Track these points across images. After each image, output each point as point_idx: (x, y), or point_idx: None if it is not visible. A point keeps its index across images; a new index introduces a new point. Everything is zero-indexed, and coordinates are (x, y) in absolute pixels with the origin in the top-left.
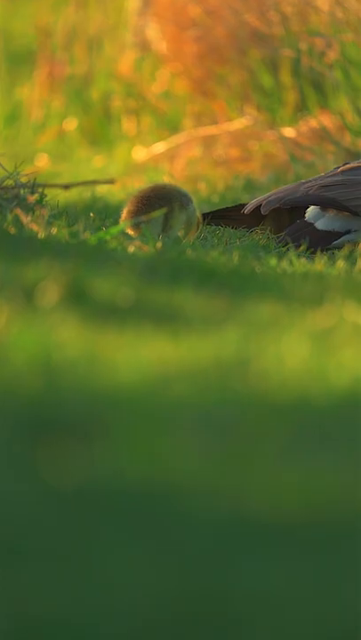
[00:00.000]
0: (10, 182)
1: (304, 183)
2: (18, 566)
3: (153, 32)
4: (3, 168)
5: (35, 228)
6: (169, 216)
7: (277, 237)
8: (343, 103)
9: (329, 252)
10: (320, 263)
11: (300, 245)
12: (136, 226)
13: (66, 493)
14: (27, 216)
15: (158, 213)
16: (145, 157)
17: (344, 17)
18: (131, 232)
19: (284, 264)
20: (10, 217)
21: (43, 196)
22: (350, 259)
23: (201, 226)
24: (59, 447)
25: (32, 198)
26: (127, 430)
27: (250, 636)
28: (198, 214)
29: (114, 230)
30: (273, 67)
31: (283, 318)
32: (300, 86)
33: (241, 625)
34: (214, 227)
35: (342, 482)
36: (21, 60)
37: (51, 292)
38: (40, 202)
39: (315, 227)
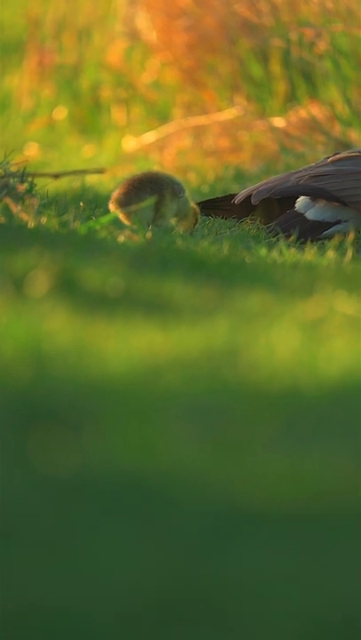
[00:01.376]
0: None
1: (294, 173)
2: (9, 553)
3: (143, 22)
4: None
5: (24, 217)
6: (160, 204)
7: (267, 227)
8: (333, 93)
9: (319, 242)
10: (310, 253)
11: (290, 235)
12: (127, 212)
13: (57, 482)
14: (16, 205)
15: (149, 202)
16: (135, 147)
17: (334, 7)
18: (120, 216)
19: (275, 254)
20: None
21: (32, 185)
22: (340, 249)
23: (199, 217)
24: (49, 436)
25: (22, 187)
26: (117, 420)
27: (238, 625)
28: (195, 205)
29: (104, 220)
30: (263, 57)
31: (273, 308)
32: (290, 76)
33: (229, 614)
34: (204, 217)
35: (333, 471)
36: (11, 50)
37: (40, 282)
38: (30, 191)
39: (305, 217)
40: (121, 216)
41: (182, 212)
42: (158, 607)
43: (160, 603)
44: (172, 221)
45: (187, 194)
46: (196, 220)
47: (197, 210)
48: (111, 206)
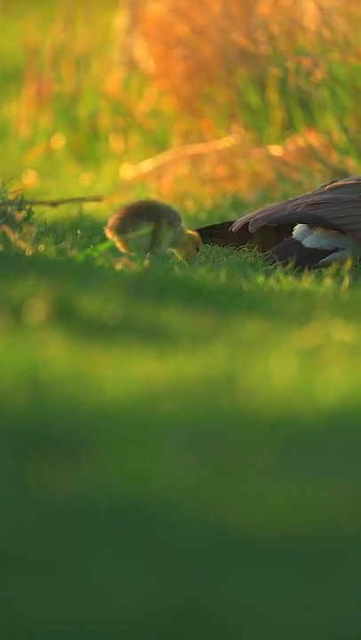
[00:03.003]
0: None
1: (291, 201)
2: (6, 578)
3: (140, 50)
4: None
5: (22, 245)
6: (157, 232)
7: (265, 255)
8: (330, 122)
9: (316, 269)
10: (307, 281)
11: (287, 263)
12: (124, 240)
13: (54, 508)
14: (14, 233)
15: (146, 229)
16: (132, 175)
17: (331, 36)
18: (117, 243)
19: (272, 282)
20: None
21: (30, 213)
22: (338, 277)
23: (200, 246)
24: (47, 463)
25: (19, 215)
26: (114, 446)
27: None
28: (195, 233)
29: (101, 247)
30: (260, 85)
31: (270, 336)
32: (287, 105)
33: (226, 638)
34: (202, 244)
35: (330, 498)
36: (9, 78)
37: (38, 310)
38: (27, 219)
39: (302, 244)
40: (117, 242)
41: (178, 242)
42: (155, 632)
43: (157, 627)
44: (170, 250)
45: (183, 223)
46: (198, 248)
47: (198, 238)
48: (107, 232)
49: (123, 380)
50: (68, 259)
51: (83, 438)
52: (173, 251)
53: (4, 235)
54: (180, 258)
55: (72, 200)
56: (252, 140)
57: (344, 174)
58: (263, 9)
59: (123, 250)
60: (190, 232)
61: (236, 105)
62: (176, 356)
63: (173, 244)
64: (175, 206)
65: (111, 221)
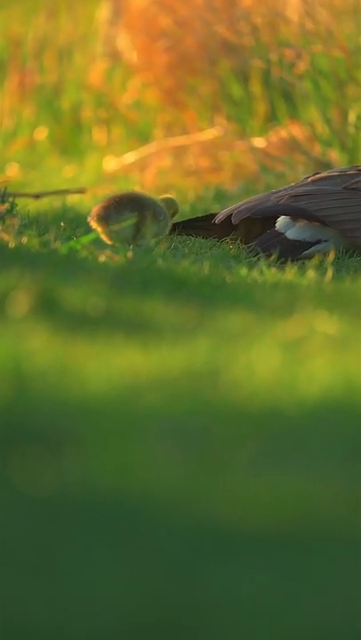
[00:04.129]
0: None
1: (274, 193)
2: None
3: (123, 42)
4: None
5: (5, 237)
6: (141, 224)
7: (248, 247)
8: (313, 114)
9: (299, 261)
10: (291, 273)
11: (270, 255)
12: (107, 231)
13: (37, 502)
14: None
15: (130, 221)
16: (115, 167)
17: (314, 28)
18: (101, 234)
19: (255, 274)
20: None
21: (13, 205)
22: (321, 269)
23: (178, 210)
24: (29, 456)
25: (2, 207)
26: (97, 439)
27: None
28: (173, 197)
29: (85, 240)
30: (243, 77)
31: (253, 328)
32: (270, 97)
33: (211, 633)
34: (185, 236)
35: (313, 491)
36: None
37: (21, 302)
38: (10, 211)
39: (285, 236)
40: (100, 232)
41: (161, 234)
42: (140, 626)
43: (140, 621)
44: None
45: (168, 217)
46: (175, 212)
47: (176, 203)
48: (90, 221)
49: (106, 373)
50: (52, 251)
51: (66, 431)
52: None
53: None
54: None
55: (55, 192)
56: (235, 131)
57: (327, 166)
58: (246, 1)
59: (106, 241)
60: (167, 196)
61: (219, 97)
62: (159, 348)
63: (158, 235)
64: (170, 197)
65: (95, 210)
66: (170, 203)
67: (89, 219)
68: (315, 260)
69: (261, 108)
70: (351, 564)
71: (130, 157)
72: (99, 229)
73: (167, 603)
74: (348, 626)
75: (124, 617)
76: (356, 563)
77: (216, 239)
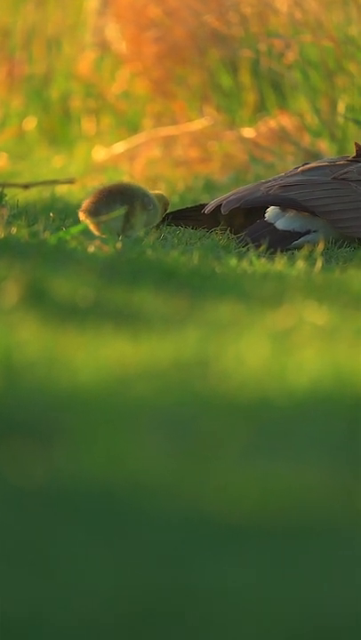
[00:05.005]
0: None
1: (264, 183)
2: None
3: (112, 32)
4: None
5: None
6: (130, 215)
7: (237, 237)
8: (302, 104)
9: (289, 252)
10: (280, 263)
11: (260, 245)
12: (97, 222)
13: (26, 493)
14: None
15: (119, 212)
16: (105, 157)
17: (303, 18)
18: (90, 226)
19: (245, 264)
20: None
21: (2, 195)
22: (310, 259)
23: (168, 205)
24: (19, 448)
25: None
26: (87, 430)
27: (205, 635)
28: (162, 193)
29: (74, 230)
30: (232, 67)
31: (243, 318)
32: (259, 87)
33: (201, 623)
34: (174, 227)
35: (303, 482)
36: None
37: (10, 292)
38: None
39: (275, 227)
40: (91, 225)
41: (151, 223)
42: (129, 617)
43: (130, 612)
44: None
45: (157, 206)
46: (165, 208)
47: (166, 198)
48: (81, 215)
49: (95, 363)
50: (41, 241)
51: (55, 422)
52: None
53: None
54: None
55: (44, 182)
56: (225, 122)
57: (316, 156)
58: None
59: (96, 232)
60: (157, 192)
61: (208, 87)
62: (149, 338)
63: (147, 225)
64: (161, 193)
65: (85, 205)
66: (160, 198)
67: (79, 213)
68: (304, 251)
69: (251, 98)
70: (341, 553)
71: (119, 147)
72: (88, 223)
73: (157, 593)
74: (339, 614)
75: (114, 607)
76: (346, 551)
77: (205, 229)
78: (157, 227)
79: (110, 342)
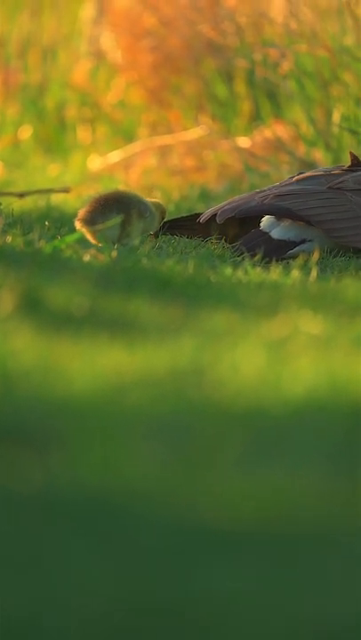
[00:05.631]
0: None
1: (259, 192)
2: None
3: (108, 41)
4: None
5: None
6: (126, 223)
7: (233, 247)
8: (297, 113)
9: (284, 261)
10: (275, 272)
11: (255, 255)
12: (93, 231)
13: (21, 499)
14: None
15: (115, 221)
16: (100, 166)
17: (298, 28)
18: (86, 235)
19: (240, 273)
20: None
21: None
22: (305, 268)
23: (165, 213)
24: (15, 455)
25: None
26: (82, 438)
27: (205, 638)
28: (159, 201)
29: (69, 239)
30: (228, 77)
31: (238, 327)
32: (254, 96)
33: (196, 629)
34: (170, 236)
35: (297, 490)
36: None
37: (5, 301)
38: None
39: (270, 236)
40: (87, 234)
41: (148, 230)
42: (125, 623)
43: (126, 618)
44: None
45: (154, 213)
46: (163, 217)
47: (163, 207)
48: (77, 224)
49: (91, 372)
50: (36, 250)
51: (51, 430)
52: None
53: None
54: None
55: (39, 191)
56: (220, 131)
57: (311, 166)
58: (230, 1)
59: (92, 241)
60: (154, 200)
61: (203, 96)
62: (144, 347)
63: (144, 232)
64: (158, 201)
65: (81, 213)
66: (157, 206)
67: (75, 222)
68: (299, 260)
69: (246, 107)
70: (337, 560)
71: (114, 157)
72: (85, 233)
73: (154, 600)
74: (337, 619)
75: (111, 613)
76: (342, 558)
77: (201, 239)
78: (155, 234)
79: (106, 351)
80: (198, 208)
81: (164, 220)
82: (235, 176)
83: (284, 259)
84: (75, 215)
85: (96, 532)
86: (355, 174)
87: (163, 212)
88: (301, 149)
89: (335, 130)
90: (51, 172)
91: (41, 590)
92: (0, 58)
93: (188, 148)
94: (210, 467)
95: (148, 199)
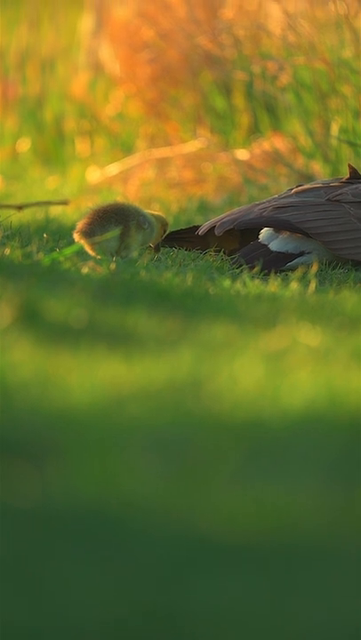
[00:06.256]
0: None
1: (258, 205)
2: None
3: (106, 54)
4: None
5: None
6: (125, 235)
7: (231, 259)
8: (296, 126)
9: (283, 273)
10: (274, 285)
11: (253, 267)
12: (91, 243)
13: (19, 512)
14: None
15: (114, 233)
16: (99, 178)
17: (296, 41)
18: (85, 247)
19: (238, 285)
20: None
21: None
22: (304, 280)
23: (167, 226)
24: (13, 467)
25: None
26: (80, 451)
27: None
28: (161, 214)
29: (67, 251)
30: (226, 89)
31: (236, 339)
32: (252, 109)
33: None
34: (168, 248)
35: (295, 503)
36: None
37: (4, 313)
38: None
39: (268, 248)
40: (85, 246)
41: (147, 242)
42: (122, 635)
43: (123, 632)
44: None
45: (147, 211)
46: (165, 230)
47: (165, 219)
48: (75, 236)
49: (89, 385)
50: (34, 262)
51: (49, 442)
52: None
53: None
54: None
55: (38, 203)
56: (218, 143)
57: (310, 178)
58: (228, 13)
59: (91, 253)
60: (156, 213)
61: (201, 109)
62: (142, 360)
63: (144, 244)
64: (160, 214)
65: (79, 225)
66: (159, 219)
67: (74, 234)
68: (298, 272)
69: (244, 120)
70: (336, 572)
71: (113, 169)
72: (83, 244)
73: (150, 613)
74: (336, 632)
75: (107, 627)
76: (339, 571)
77: (199, 251)
78: (157, 247)
79: (104, 363)
80: (197, 220)
81: (166, 229)
82: (233, 188)
83: (283, 271)
84: (73, 227)
85: (94, 546)
86: (353, 187)
87: (164, 224)
88: (300, 162)
89: (333, 142)
90: (49, 184)
91: (39, 604)
92: None
93: (187, 160)
94: (208, 479)
95: (149, 211)
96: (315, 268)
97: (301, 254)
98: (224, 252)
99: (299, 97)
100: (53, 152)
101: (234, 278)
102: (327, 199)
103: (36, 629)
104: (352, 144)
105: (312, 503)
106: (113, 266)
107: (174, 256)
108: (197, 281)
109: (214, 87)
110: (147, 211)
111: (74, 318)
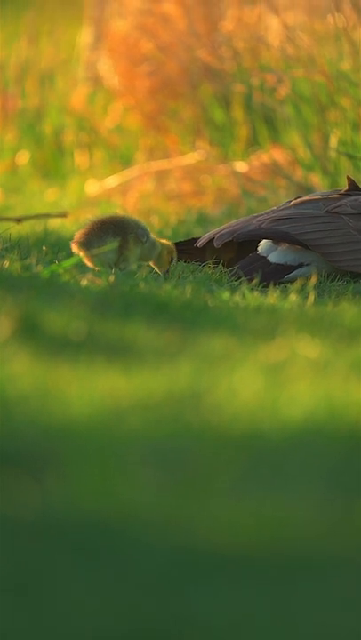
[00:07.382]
0: None
1: (256, 217)
2: None
3: (105, 67)
4: None
5: None
6: (123, 248)
7: (230, 271)
8: (294, 138)
9: (282, 285)
10: (273, 297)
11: (252, 279)
12: (90, 255)
13: (19, 524)
14: None
15: (112, 245)
16: (98, 191)
17: (295, 53)
18: (83, 258)
19: (237, 297)
20: None
21: None
22: (303, 292)
23: (175, 255)
24: (12, 480)
25: None
26: (80, 463)
27: None
28: (169, 243)
29: (66, 264)
30: (225, 102)
31: (235, 352)
32: (251, 121)
33: None
34: (176, 254)
35: (294, 514)
36: None
37: (3, 326)
38: None
39: (267, 260)
40: (84, 258)
41: (146, 257)
42: None
43: None
44: (144, 263)
45: (154, 237)
46: (172, 258)
47: (172, 247)
48: (73, 246)
49: (88, 397)
50: (33, 275)
51: (49, 454)
52: (150, 263)
53: None
54: (156, 269)
55: (37, 216)
56: (217, 156)
57: (309, 190)
58: (228, 26)
59: (89, 265)
60: (164, 241)
61: (200, 121)
62: (141, 371)
63: (143, 259)
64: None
65: (77, 236)
66: (166, 247)
67: (72, 245)
68: (297, 284)
69: (243, 132)
70: (334, 584)
71: (112, 181)
72: (82, 255)
73: (148, 623)
74: None
75: (107, 638)
76: (339, 583)
77: (198, 263)
78: (165, 274)
79: (103, 375)
80: (196, 232)
81: (174, 258)
82: (232, 200)
83: (282, 283)
84: (72, 240)
85: (93, 557)
86: (352, 198)
87: (171, 252)
88: (299, 174)
89: (332, 154)
90: (48, 196)
91: (38, 615)
92: None
93: (186, 172)
94: (208, 490)
95: (159, 240)
96: (314, 280)
97: (300, 266)
98: (223, 264)
99: (298, 109)
100: (52, 165)
101: (233, 290)
102: (326, 211)
103: (34, 637)
104: (351, 156)
105: (311, 515)
106: (112, 278)
107: (173, 268)
108: (196, 293)
109: (213, 100)
110: (155, 237)
111: (73, 331)
